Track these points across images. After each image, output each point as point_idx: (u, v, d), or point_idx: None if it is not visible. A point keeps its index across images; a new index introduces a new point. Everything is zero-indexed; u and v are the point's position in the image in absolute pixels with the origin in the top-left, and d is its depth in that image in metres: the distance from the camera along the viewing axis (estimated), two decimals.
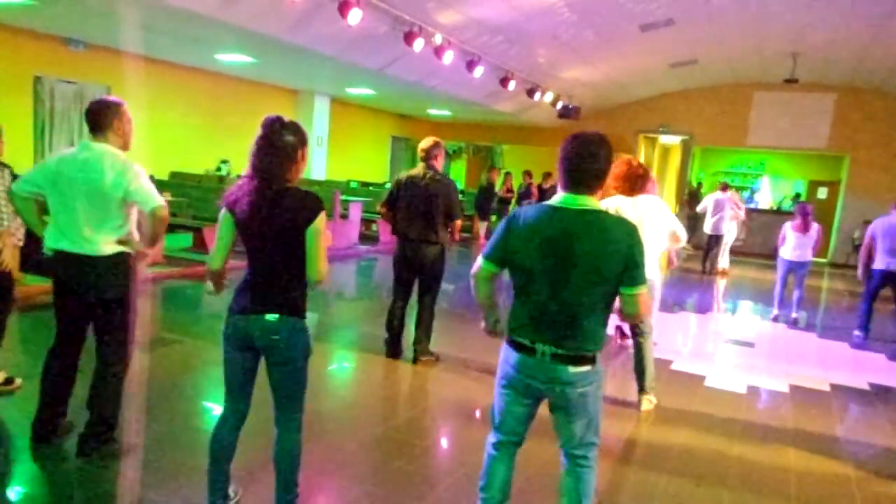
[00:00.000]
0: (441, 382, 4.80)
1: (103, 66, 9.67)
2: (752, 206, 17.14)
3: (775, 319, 7.86)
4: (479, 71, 9.63)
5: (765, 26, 10.19)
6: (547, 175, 13.94)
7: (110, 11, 7.11)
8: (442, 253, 4.94)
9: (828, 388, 5.27)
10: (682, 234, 4.46)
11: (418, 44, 8.02)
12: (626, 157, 4.40)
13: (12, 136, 4.12)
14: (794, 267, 7.56)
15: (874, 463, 3.93)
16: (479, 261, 2.39)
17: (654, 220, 4.24)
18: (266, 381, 2.55)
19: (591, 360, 2.25)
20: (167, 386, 4.23)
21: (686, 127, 15.53)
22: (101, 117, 2.99)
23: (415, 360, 5.03)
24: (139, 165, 3.05)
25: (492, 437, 2.47)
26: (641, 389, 4.42)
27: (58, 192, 2.97)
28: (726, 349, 6.45)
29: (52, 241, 3.02)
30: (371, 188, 13.73)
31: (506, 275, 2.40)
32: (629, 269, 2.16)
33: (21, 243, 3.65)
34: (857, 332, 7.02)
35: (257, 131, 2.41)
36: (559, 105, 13.09)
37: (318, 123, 13.75)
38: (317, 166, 13.71)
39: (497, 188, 13.65)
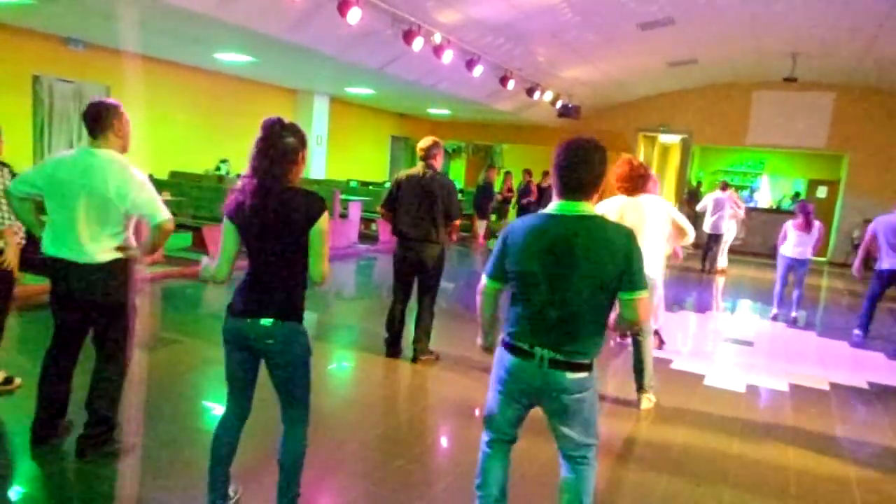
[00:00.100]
0: (441, 381, 4.80)
1: (102, 65, 9.66)
2: (751, 205, 17.14)
3: (775, 318, 7.87)
4: (478, 70, 9.62)
5: (764, 25, 10.18)
6: (546, 174, 13.92)
7: (109, 11, 7.11)
8: (441, 252, 4.94)
9: (827, 387, 5.28)
10: (690, 230, 4.43)
11: (417, 43, 8.02)
12: (628, 156, 4.40)
13: (11, 136, 4.12)
14: (795, 265, 7.55)
15: (873, 461, 3.93)
16: (483, 279, 2.41)
17: (655, 220, 4.24)
18: (268, 382, 2.56)
19: (588, 367, 2.25)
20: (166, 385, 4.23)
21: (685, 126, 15.53)
22: (100, 119, 2.97)
23: (414, 359, 5.03)
24: (143, 174, 3.04)
25: (485, 436, 2.48)
26: (640, 388, 4.43)
27: (55, 196, 2.94)
28: (726, 348, 6.45)
29: (49, 247, 3.00)
30: (371, 187, 13.73)
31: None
32: (628, 274, 2.16)
33: (23, 243, 3.64)
34: (856, 331, 7.02)
35: (257, 133, 2.40)
36: (559, 104, 13.08)
37: (317, 123, 13.75)
38: (316, 166, 13.71)
39: (497, 188, 13.65)
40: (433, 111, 16.18)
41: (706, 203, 11.21)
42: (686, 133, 15.78)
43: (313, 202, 2.40)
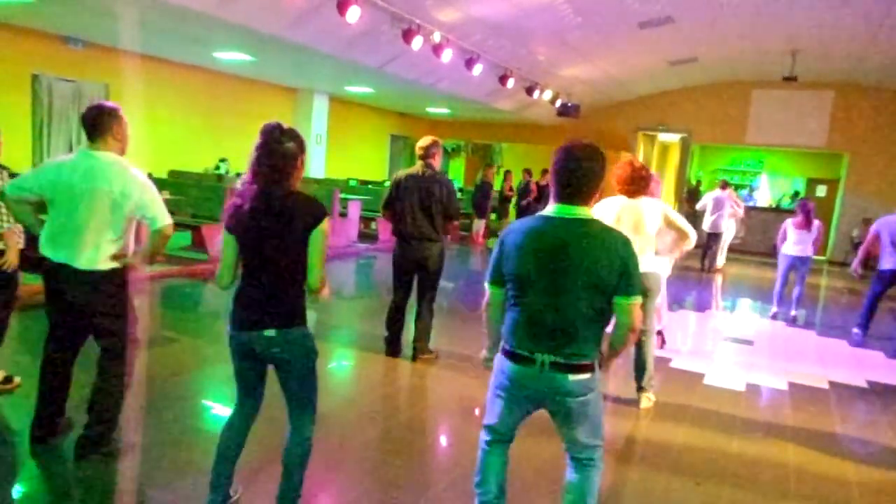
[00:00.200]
0: (440, 380, 4.80)
1: (102, 64, 9.65)
2: (750, 203, 17.14)
3: (774, 317, 7.87)
4: (478, 69, 9.62)
5: (764, 24, 10.18)
6: (545, 172, 13.92)
7: (109, 10, 7.10)
8: (441, 251, 4.94)
9: (826, 386, 5.28)
10: (691, 234, 4.31)
11: (417, 42, 8.01)
12: (629, 158, 4.39)
13: (11, 135, 4.12)
14: (796, 263, 7.55)
15: (872, 459, 3.94)
16: (487, 288, 2.41)
17: (652, 224, 4.21)
18: (270, 382, 2.56)
19: (590, 368, 2.25)
20: (166, 385, 4.23)
21: (685, 124, 15.52)
22: (100, 123, 2.97)
23: (414, 358, 5.03)
24: (144, 175, 3.04)
25: (484, 435, 2.48)
26: (640, 387, 4.43)
27: (60, 201, 2.93)
28: (725, 347, 6.45)
29: (47, 248, 2.99)
30: (370, 186, 13.72)
31: None
32: (624, 279, 2.17)
33: (22, 243, 3.64)
34: (855, 330, 7.03)
35: (256, 139, 2.40)
36: (558, 103, 13.08)
37: (316, 121, 13.73)
38: (316, 165, 13.70)
39: (496, 187, 13.64)
40: (432, 110, 16.18)
41: (706, 202, 11.22)
42: (685, 132, 15.78)
43: (314, 207, 2.41)
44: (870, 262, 7.22)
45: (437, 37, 8.43)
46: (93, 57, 9.59)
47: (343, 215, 10.80)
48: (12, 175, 3.54)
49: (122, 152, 3.06)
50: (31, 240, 3.34)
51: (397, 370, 4.97)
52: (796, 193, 17.69)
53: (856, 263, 6.97)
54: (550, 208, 2.28)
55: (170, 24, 7.63)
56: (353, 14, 6.89)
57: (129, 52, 8.72)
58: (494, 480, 2.45)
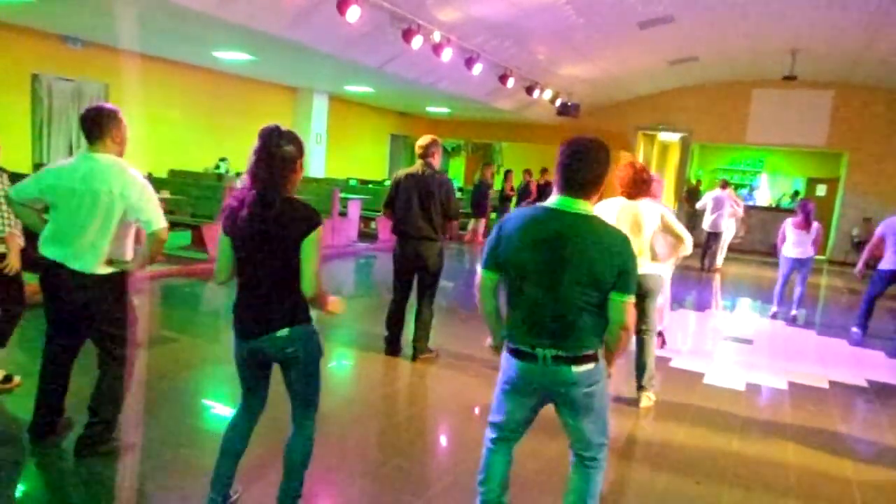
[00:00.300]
0: (440, 379, 4.80)
1: (101, 63, 9.65)
2: (750, 203, 17.14)
3: (774, 316, 7.87)
4: (477, 68, 9.62)
5: (764, 23, 10.18)
6: (544, 171, 13.91)
7: (108, 9, 7.09)
8: (441, 250, 4.94)
9: (826, 385, 5.28)
10: (688, 239, 4.27)
11: (417, 41, 8.01)
12: (630, 159, 4.39)
13: (11, 135, 4.12)
14: (798, 265, 7.55)
15: (872, 458, 3.94)
16: (479, 272, 2.40)
17: (651, 226, 4.21)
18: (274, 384, 2.56)
19: (594, 358, 2.25)
20: (166, 384, 4.23)
21: (685, 124, 15.52)
22: (100, 125, 2.97)
23: (414, 358, 5.03)
24: (143, 177, 3.04)
25: (490, 433, 2.48)
26: (640, 386, 4.43)
27: (63, 205, 2.94)
28: (725, 346, 6.45)
29: (47, 247, 2.99)
30: (370, 185, 13.73)
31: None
32: (622, 276, 2.17)
33: (23, 244, 3.64)
34: (854, 329, 7.03)
35: (255, 142, 2.39)
36: (558, 102, 13.08)
37: (316, 121, 13.73)
38: (316, 164, 13.69)
39: (497, 186, 13.63)
40: (432, 109, 16.17)
41: (706, 201, 11.23)
42: (685, 131, 15.78)
43: (310, 214, 2.41)
44: (870, 261, 7.22)
45: (437, 36, 8.43)
46: (92, 56, 9.59)
47: (343, 214, 10.80)
48: (11, 177, 3.54)
49: (120, 154, 3.07)
50: (31, 239, 3.34)
51: (397, 370, 4.97)
52: (796, 193, 17.69)
53: (860, 267, 6.99)
54: (553, 199, 2.27)
55: (170, 24, 7.63)
56: (353, 13, 6.88)
57: (129, 51, 8.71)
58: (498, 479, 2.45)
